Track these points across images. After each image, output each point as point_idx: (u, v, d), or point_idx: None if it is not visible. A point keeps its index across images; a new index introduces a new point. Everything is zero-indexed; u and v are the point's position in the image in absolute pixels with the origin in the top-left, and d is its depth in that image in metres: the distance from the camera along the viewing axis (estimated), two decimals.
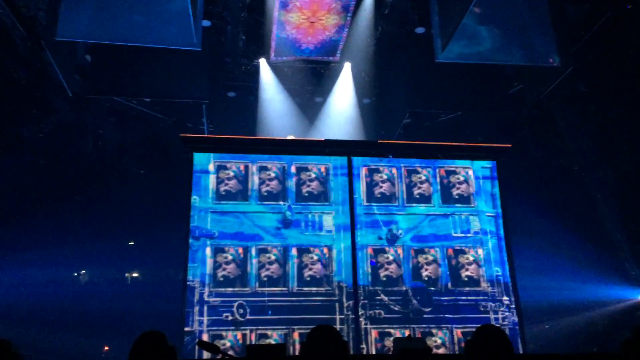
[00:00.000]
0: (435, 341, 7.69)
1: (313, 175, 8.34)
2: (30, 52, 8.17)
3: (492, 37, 8.79)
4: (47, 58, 8.23)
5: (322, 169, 8.40)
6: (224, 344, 7.28)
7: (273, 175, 8.28)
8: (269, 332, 7.50)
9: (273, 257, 7.85)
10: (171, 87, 9.38)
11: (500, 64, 9.20)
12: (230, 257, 7.77)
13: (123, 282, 10.38)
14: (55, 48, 8.19)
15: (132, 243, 10.48)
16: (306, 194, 8.25)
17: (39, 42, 8.01)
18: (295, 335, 7.50)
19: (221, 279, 7.67)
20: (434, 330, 7.79)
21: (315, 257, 7.92)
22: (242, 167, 8.24)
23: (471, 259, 8.23)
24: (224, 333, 7.43)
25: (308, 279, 7.83)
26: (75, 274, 10.28)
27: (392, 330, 7.73)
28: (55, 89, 8.92)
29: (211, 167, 8.19)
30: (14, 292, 8.72)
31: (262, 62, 10.24)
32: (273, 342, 7.31)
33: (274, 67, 10.35)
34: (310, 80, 10.71)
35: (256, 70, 10.35)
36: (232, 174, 8.17)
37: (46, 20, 7.79)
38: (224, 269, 7.71)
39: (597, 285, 9.58)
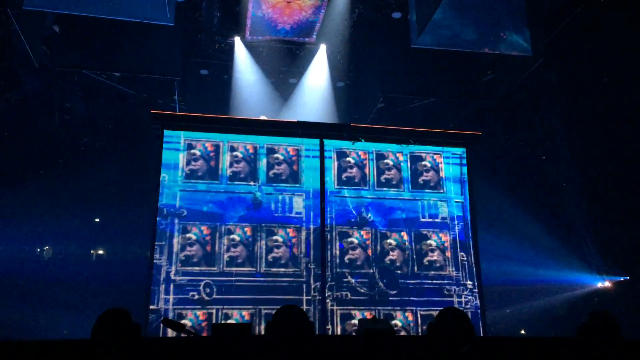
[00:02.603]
0: (396, 324, 7.81)
1: (281, 158, 8.32)
2: None
3: (467, 25, 8.84)
4: (14, 27, 7.97)
5: (291, 151, 8.38)
6: (184, 324, 7.28)
7: (244, 155, 8.23)
8: (234, 312, 7.52)
9: (240, 238, 7.84)
10: (142, 63, 9.18)
11: (474, 51, 9.25)
12: (198, 237, 7.73)
13: (88, 258, 10.23)
14: (23, 17, 7.93)
15: (97, 220, 10.32)
16: (277, 176, 8.23)
17: (5, 10, 7.75)
18: (262, 315, 7.54)
19: (188, 258, 7.63)
20: (394, 313, 7.92)
21: (281, 239, 7.94)
22: (212, 147, 8.17)
23: (438, 243, 8.36)
24: (189, 312, 7.42)
25: (276, 260, 7.85)
26: (39, 250, 10.10)
27: (357, 312, 7.83)
28: (21, 60, 8.65)
29: (181, 145, 8.09)
30: None
31: (237, 40, 10.10)
32: (237, 322, 7.33)
33: (249, 46, 10.23)
34: (285, 61, 10.62)
35: (230, 48, 10.21)
36: (200, 153, 8.09)
37: None
38: (192, 248, 7.67)
39: (558, 272, 9.85)
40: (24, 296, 8.64)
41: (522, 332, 10.10)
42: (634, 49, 8.33)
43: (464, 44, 8.84)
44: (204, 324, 7.39)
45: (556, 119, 10.24)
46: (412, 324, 7.93)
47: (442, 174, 8.72)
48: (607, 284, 9.86)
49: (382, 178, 8.53)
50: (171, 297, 7.42)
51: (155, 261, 7.49)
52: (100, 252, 10.41)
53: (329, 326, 7.68)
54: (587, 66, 9.21)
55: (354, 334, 7.49)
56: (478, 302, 8.16)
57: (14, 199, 9.05)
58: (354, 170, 8.47)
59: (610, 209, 9.52)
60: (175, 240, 7.65)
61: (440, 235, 8.40)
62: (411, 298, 8.02)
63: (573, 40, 8.96)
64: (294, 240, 7.97)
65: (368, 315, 7.79)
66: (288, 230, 8.01)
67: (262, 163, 8.25)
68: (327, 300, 7.77)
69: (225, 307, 7.48)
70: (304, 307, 7.58)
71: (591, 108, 9.48)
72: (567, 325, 9.30)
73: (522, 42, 8.91)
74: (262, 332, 7.05)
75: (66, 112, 9.96)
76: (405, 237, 8.30)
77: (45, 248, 10.12)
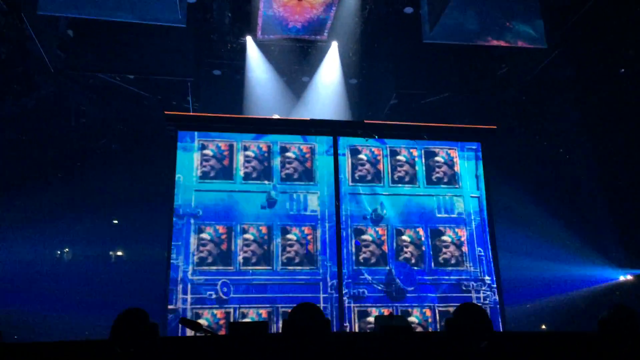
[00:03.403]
0: (413, 321, 7.78)
1: (295, 156, 8.32)
2: (11, 26, 7.99)
3: (480, 18, 8.77)
4: (29, 32, 8.07)
5: (305, 149, 8.38)
6: (202, 323, 7.31)
7: (258, 154, 8.25)
8: (252, 311, 7.54)
9: (257, 237, 7.86)
10: (156, 64, 9.25)
11: (488, 45, 9.17)
12: (214, 236, 7.76)
13: (107, 260, 10.33)
14: (37, 22, 8.03)
15: (116, 221, 10.41)
16: (291, 174, 8.24)
17: (19, 16, 7.84)
18: (279, 313, 7.56)
19: (205, 257, 7.67)
20: (409, 310, 7.88)
21: (295, 238, 7.94)
22: (226, 146, 8.20)
23: (455, 239, 8.30)
24: (206, 312, 7.45)
25: (292, 258, 7.85)
26: (59, 252, 10.21)
27: (374, 309, 7.81)
28: (36, 65, 8.75)
29: (196, 146, 8.13)
30: None
31: (249, 40, 10.11)
32: (254, 320, 7.35)
33: (261, 46, 10.22)
34: (297, 59, 10.60)
35: (242, 48, 10.22)
36: (214, 153, 8.13)
37: None
38: (208, 248, 7.71)
39: (579, 266, 9.71)
40: (44, 298, 8.74)
41: (543, 327, 9.99)
42: None
43: (477, 37, 8.77)
44: (221, 322, 7.43)
45: (573, 112, 10.12)
46: (429, 320, 7.89)
47: (457, 169, 8.66)
48: (629, 277, 9.72)
49: (397, 174, 8.49)
50: (189, 296, 7.46)
51: (172, 261, 7.55)
52: (119, 253, 10.50)
53: (346, 323, 7.67)
54: (603, 57, 9.07)
55: (371, 330, 7.48)
56: (497, 297, 8.10)
57: (32, 203, 9.15)
58: (368, 167, 8.45)
59: (630, 200, 9.38)
60: (191, 240, 7.69)
61: (457, 230, 8.35)
62: (428, 294, 7.98)
63: (588, 31, 8.83)
64: (309, 238, 7.97)
65: (385, 312, 7.77)
66: (303, 228, 8.01)
67: (276, 162, 8.26)
68: (344, 298, 7.77)
69: (242, 305, 7.51)
70: (321, 305, 7.58)
71: (608, 99, 9.34)
72: (588, 320, 9.18)
73: (536, 34, 8.81)
74: (279, 330, 7.08)
75: (81, 115, 10.05)
76: (422, 233, 8.26)
77: (64, 250, 10.23)
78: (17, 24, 7.92)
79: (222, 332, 7.23)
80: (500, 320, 7.95)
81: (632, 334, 2.91)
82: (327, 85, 10.69)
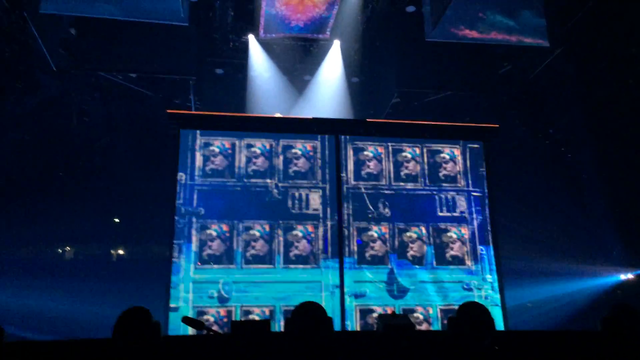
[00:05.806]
0: (417, 317, 7.78)
1: (299, 153, 8.32)
2: (13, 25, 7.99)
3: (482, 16, 8.76)
4: (31, 31, 8.07)
5: (309, 147, 8.38)
6: (207, 320, 7.32)
7: (260, 153, 8.25)
8: (254, 309, 7.54)
9: (259, 235, 7.86)
10: (158, 63, 9.25)
11: (490, 43, 9.16)
12: (216, 235, 7.77)
13: (109, 259, 10.33)
14: (39, 21, 8.03)
15: (117, 220, 10.41)
16: (293, 172, 8.24)
17: (22, 14, 7.85)
18: (281, 312, 7.56)
19: (207, 256, 7.67)
20: (412, 308, 7.87)
21: (300, 234, 7.94)
22: (228, 145, 8.20)
23: (456, 237, 8.30)
24: (208, 309, 7.46)
25: (294, 256, 7.86)
26: (60, 251, 10.22)
27: (377, 307, 7.80)
28: (39, 64, 8.76)
29: (198, 144, 8.14)
30: None
31: (251, 38, 10.10)
32: (257, 318, 7.36)
33: (263, 44, 10.22)
34: (299, 58, 10.59)
35: (245, 47, 10.21)
36: (217, 150, 8.13)
37: None
38: (210, 246, 7.71)
39: (580, 265, 9.70)
40: (46, 297, 8.75)
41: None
42: None
43: (479, 35, 8.76)
44: (225, 319, 7.43)
45: (575, 110, 10.10)
46: (431, 319, 7.89)
47: (460, 167, 8.65)
48: (630, 276, 9.70)
49: (399, 172, 8.48)
50: (190, 295, 7.47)
51: (174, 260, 7.56)
52: (121, 251, 10.51)
53: (348, 322, 7.67)
54: (606, 55, 9.05)
55: (374, 329, 7.48)
56: (498, 295, 8.09)
57: (33, 201, 9.16)
58: (371, 165, 8.45)
59: (632, 199, 9.37)
60: (193, 239, 7.70)
61: (459, 229, 8.34)
62: (430, 292, 7.98)
63: (591, 29, 8.81)
64: (312, 236, 7.97)
65: (388, 310, 7.76)
66: (306, 226, 8.01)
67: (279, 160, 8.25)
68: (346, 296, 7.76)
69: (244, 304, 7.51)
70: (323, 303, 7.56)
71: (611, 98, 9.32)
72: (590, 319, 9.16)
73: (539, 33, 8.80)
74: (282, 329, 7.07)
75: (84, 114, 10.06)
76: (423, 232, 8.25)
77: (66, 249, 10.24)
78: (19, 23, 7.93)
79: (226, 329, 7.24)
80: (502, 318, 7.95)
81: (636, 333, 2.90)
82: (329, 84, 10.67)
